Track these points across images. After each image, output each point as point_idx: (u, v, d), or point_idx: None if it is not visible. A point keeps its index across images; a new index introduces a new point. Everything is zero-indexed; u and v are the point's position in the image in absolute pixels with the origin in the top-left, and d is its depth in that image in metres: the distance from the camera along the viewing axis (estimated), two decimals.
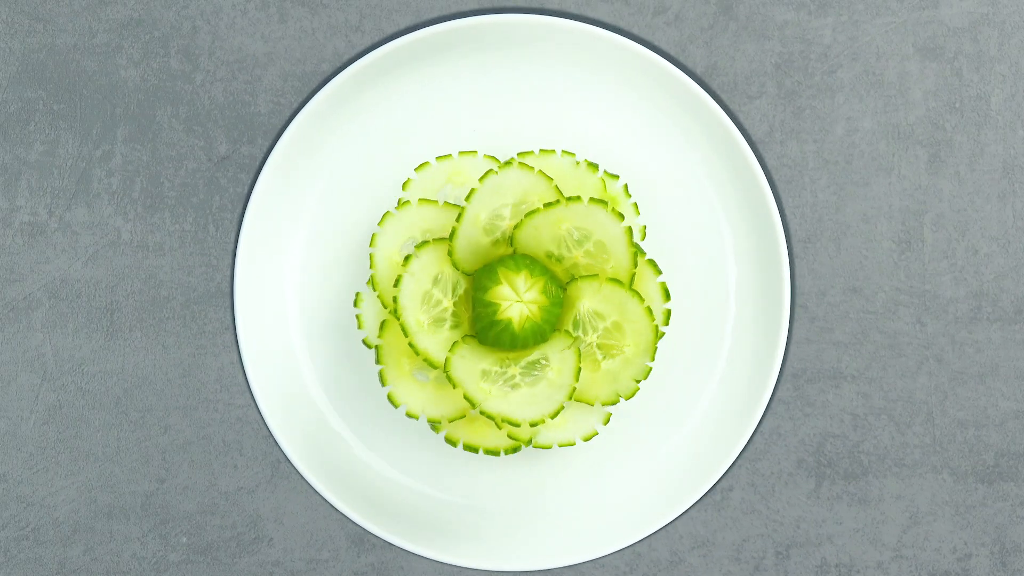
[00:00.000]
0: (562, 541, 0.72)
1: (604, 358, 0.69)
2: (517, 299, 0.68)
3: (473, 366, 0.68)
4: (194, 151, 0.73)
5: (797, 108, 0.73)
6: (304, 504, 0.72)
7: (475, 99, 0.73)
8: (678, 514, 0.72)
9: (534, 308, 0.68)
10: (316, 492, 0.72)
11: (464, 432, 0.70)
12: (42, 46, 0.73)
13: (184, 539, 0.73)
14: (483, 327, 0.68)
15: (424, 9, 0.73)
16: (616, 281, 0.68)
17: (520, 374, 0.68)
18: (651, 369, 0.69)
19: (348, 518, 0.72)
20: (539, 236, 0.68)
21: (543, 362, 0.68)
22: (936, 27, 0.73)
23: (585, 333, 0.69)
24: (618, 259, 0.68)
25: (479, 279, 0.68)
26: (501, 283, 0.68)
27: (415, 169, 0.71)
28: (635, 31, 0.73)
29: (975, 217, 0.73)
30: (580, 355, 0.68)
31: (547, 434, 0.69)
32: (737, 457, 0.72)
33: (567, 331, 0.69)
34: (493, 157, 0.71)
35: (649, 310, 0.68)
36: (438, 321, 0.69)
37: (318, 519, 0.72)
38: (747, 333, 0.72)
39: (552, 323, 0.68)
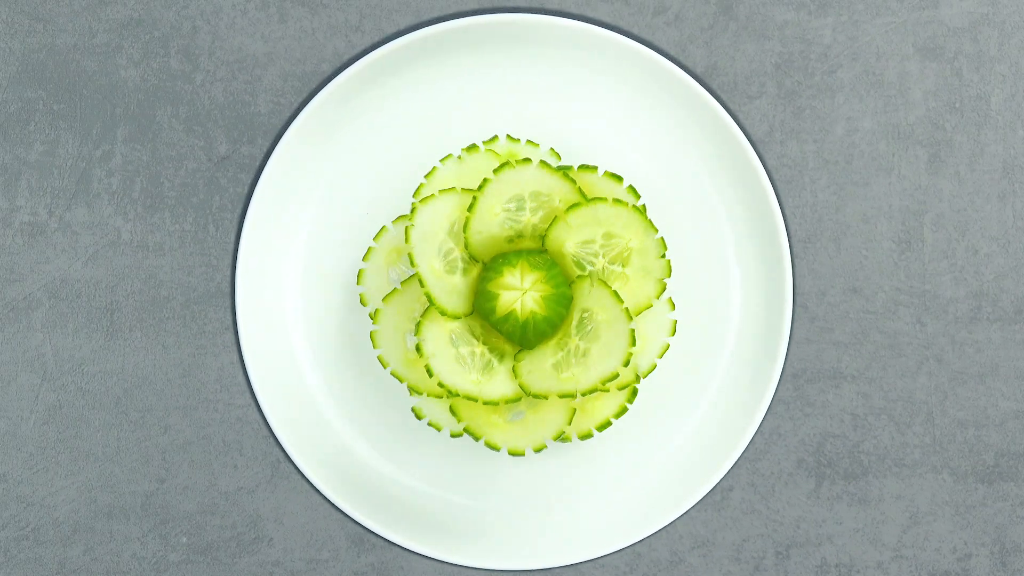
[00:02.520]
0: (562, 540, 0.72)
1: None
2: (520, 290, 0.68)
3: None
4: (194, 151, 0.73)
5: (797, 108, 0.73)
6: (304, 504, 0.72)
7: (476, 99, 0.73)
8: (679, 515, 0.72)
9: (538, 301, 0.68)
10: (316, 492, 0.72)
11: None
12: (42, 46, 0.73)
13: (184, 539, 0.73)
14: (495, 321, 0.68)
15: (424, 9, 0.73)
16: (602, 282, 0.68)
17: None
18: (630, 355, 0.69)
19: (348, 518, 0.72)
20: (565, 238, 0.69)
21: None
22: (936, 27, 0.73)
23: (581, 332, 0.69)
24: (647, 264, 0.68)
25: (489, 270, 0.68)
26: (504, 275, 0.68)
27: (425, 176, 0.71)
28: (635, 31, 0.73)
29: (975, 217, 0.73)
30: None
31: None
32: (737, 457, 0.72)
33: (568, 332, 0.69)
34: (494, 151, 0.71)
35: (621, 304, 0.68)
36: (451, 266, 0.69)
37: (318, 519, 0.72)
38: (748, 333, 0.72)
39: (557, 320, 0.69)
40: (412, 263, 0.68)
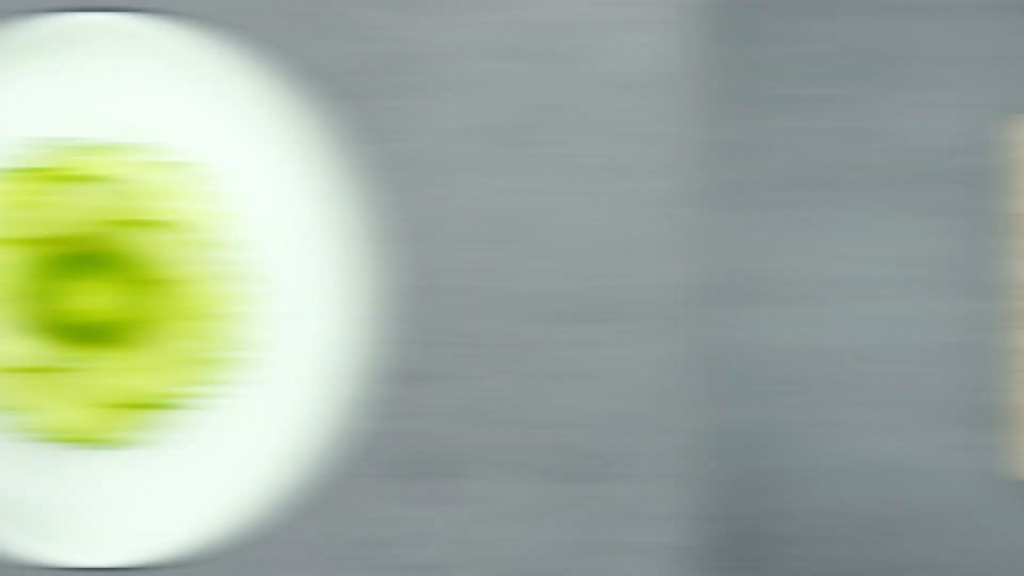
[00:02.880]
0: (123, 540, 0.71)
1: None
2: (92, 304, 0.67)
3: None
4: None
5: (384, 108, 0.73)
6: None
7: (56, 100, 0.73)
8: (259, 515, 0.71)
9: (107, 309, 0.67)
10: None
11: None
12: None
13: None
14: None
15: None
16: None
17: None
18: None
19: None
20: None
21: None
22: (520, 28, 0.73)
23: None
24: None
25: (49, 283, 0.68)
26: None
27: None
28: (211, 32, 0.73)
29: (562, 217, 0.73)
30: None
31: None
32: (328, 459, 0.72)
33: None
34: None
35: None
36: None
37: None
38: (331, 332, 0.72)
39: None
40: None
